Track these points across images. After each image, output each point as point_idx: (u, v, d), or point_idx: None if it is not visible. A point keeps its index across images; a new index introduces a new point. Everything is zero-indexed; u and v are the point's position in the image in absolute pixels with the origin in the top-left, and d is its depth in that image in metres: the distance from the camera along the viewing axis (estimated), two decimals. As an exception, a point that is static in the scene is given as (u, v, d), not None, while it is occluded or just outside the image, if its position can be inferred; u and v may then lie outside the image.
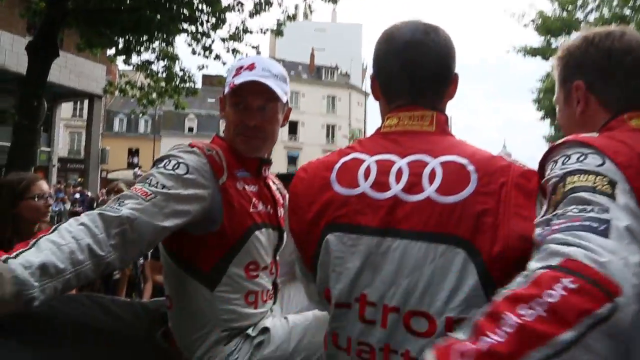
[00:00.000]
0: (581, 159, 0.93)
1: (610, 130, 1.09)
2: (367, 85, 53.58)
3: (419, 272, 1.03)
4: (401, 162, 1.12)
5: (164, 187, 1.37)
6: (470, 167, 1.07)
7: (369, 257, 1.08)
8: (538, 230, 0.86)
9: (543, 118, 26.10)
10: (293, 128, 47.38)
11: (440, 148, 1.12)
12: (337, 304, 1.11)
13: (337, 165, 1.18)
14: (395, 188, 1.09)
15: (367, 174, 1.13)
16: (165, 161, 1.47)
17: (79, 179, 29.99)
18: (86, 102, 23.24)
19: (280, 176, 3.71)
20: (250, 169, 1.67)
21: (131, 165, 40.68)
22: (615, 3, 16.30)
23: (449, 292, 1.00)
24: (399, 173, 1.11)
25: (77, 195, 18.36)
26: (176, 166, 1.44)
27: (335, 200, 1.14)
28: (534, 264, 0.75)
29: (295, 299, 2.12)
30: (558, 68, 1.26)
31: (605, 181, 0.86)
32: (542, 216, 0.89)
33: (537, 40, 18.63)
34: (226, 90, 1.63)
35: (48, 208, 2.72)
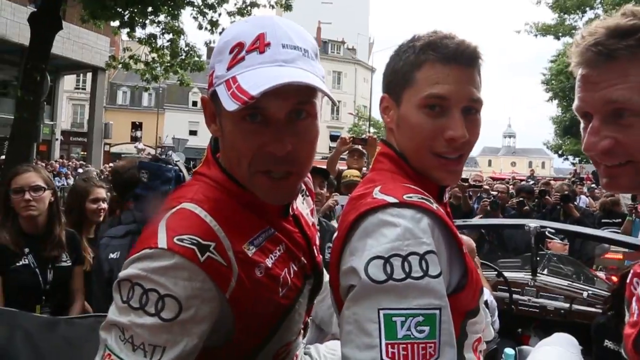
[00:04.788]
0: None
1: None
2: (373, 61, 52.99)
3: None
4: None
5: (155, 349, 0.88)
6: None
7: None
8: None
9: (551, 99, 25.83)
10: (298, 104, 46.76)
11: None
12: None
13: None
14: None
15: None
16: (139, 294, 0.90)
17: (82, 153, 29.90)
18: (89, 74, 22.95)
19: (312, 170, 3.40)
20: (272, 219, 1.13)
21: (134, 139, 40.48)
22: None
23: None
24: None
25: (81, 170, 18.19)
26: (160, 305, 0.89)
27: None
28: None
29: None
30: None
31: None
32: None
33: (550, 18, 18.17)
34: (219, 89, 0.98)
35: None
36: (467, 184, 6.27)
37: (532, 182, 16.05)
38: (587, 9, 17.06)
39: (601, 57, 0.93)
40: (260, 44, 0.96)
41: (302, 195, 1.37)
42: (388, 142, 1.17)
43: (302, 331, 1.27)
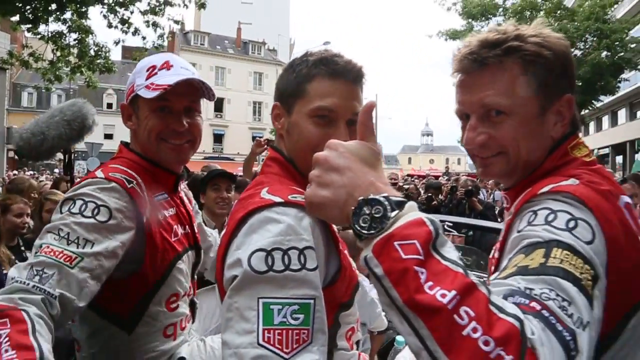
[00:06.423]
0: (571, 225, 0.89)
1: (567, 167, 1.07)
2: (295, 62, 52.96)
3: None
4: None
5: (86, 242, 1.20)
6: None
7: None
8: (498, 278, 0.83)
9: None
10: (219, 105, 46.06)
11: None
12: None
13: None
14: None
15: None
16: (80, 204, 1.26)
17: (-18, 159, 27.47)
18: (-13, 74, 21.12)
19: (220, 174, 3.48)
20: (167, 188, 1.57)
21: (43, 143, 37.72)
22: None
23: None
24: None
25: (-20, 178, 16.71)
26: (96, 211, 1.25)
27: None
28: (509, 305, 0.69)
29: (211, 311, 2.01)
30: (524, 68, 1.08)
31: (590, 275, 0.82)
32: (504, 268, 0.86)
33: (460, 25, 19.30)
34: (142, 92, 1.45)
35: None
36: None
37: (446, 177, 16.90)
38: (491, 16, 18.33)
39: (475, 64, 1.09)
40: (167, 65, 1.49)
41: (186, 195, 1.76)
42: (277, 147, 1.26)
43: (189, 309, 1.54)
